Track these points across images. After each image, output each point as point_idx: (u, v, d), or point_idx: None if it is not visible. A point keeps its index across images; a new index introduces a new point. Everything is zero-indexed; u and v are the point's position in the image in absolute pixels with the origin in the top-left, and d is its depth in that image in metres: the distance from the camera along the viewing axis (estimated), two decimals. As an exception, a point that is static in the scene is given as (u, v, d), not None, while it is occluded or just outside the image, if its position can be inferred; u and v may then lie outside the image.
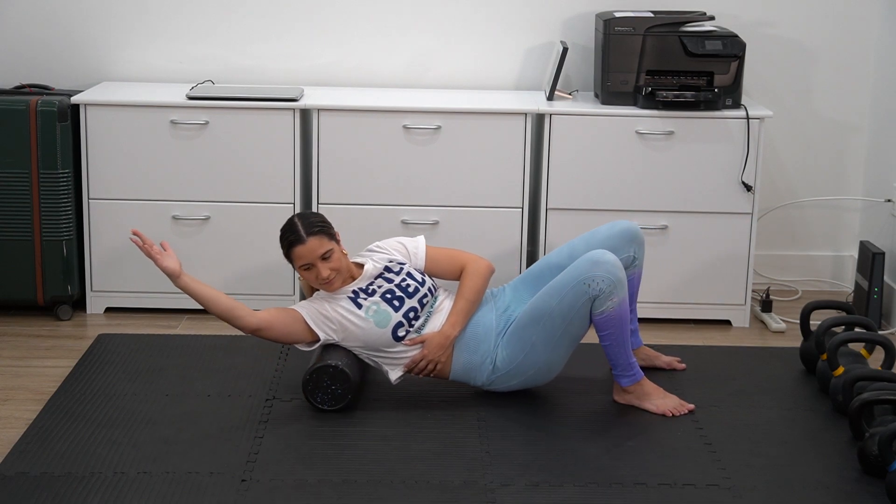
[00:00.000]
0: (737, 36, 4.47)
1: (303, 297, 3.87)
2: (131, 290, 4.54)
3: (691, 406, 3.73)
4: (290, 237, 3.67)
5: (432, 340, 3.71)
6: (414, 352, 3.73)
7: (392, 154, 4.46)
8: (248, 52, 4.81)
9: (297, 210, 4.49)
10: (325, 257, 3.65)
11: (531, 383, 3.77)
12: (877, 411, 3.50)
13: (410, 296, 3.74)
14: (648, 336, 4.36)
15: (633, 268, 3.87)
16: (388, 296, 3.72)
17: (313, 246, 3.64)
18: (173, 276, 3.60)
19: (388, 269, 3.78)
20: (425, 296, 3.76)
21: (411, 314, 3.72)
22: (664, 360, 4.09)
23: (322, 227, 3.68)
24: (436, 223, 4.50)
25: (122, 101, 4.44)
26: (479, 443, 3.49)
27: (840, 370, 3.74)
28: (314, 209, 4.48)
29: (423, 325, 3.74)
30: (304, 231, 3.65)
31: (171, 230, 4.47)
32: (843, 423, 3.62)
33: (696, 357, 4.19)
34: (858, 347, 3.98)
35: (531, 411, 3.72)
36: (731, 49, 4.43)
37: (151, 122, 4.42)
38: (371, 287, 3.73)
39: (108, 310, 4.56)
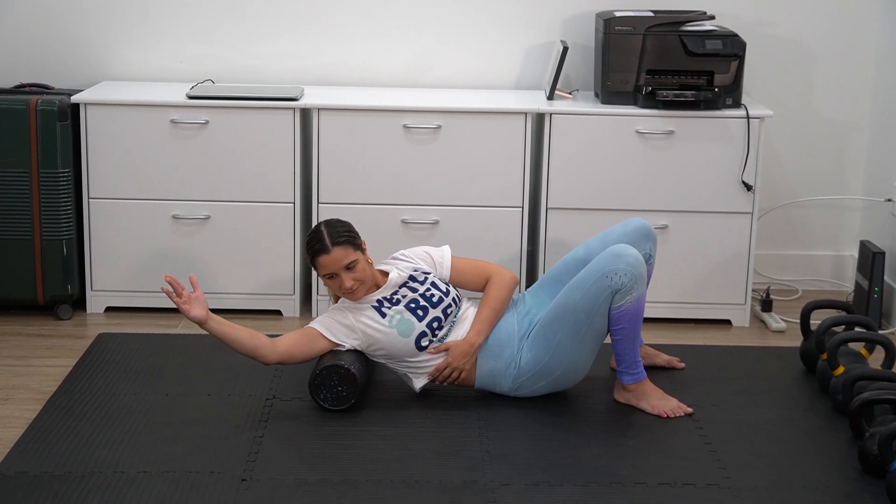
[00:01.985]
0: (737, 35, 4.46)
1: (320, 304, 3.86)
2: (131, 290, 4.54)
3: (690, 410, 3.73)
4: (315, 246, 3.66)
5: (457, 348, 3.71)
6: (438, 360, 3.72)
7: (392, 154, 4.45)
8: (249, 52, 4.81)
9: (298, 208, 4.49)
10: (349, 267, 3.64)
11: (558, 385, 3.75)
12: (877, 411, 3.50)
13: (434, 306, 3.73)
14: (649, 336, 4.35)
15: (647, 265, 3.87)
16: (413, 305, 3.72)
17: (338, 256, 3.63)
18: (201, 324, 3.57)
19: (412, 278, 3.78)
20: (449, 306, 3.76)
21: (435, 324, 3.72)
22: (664, 358, 4.09)
23: (348, 237, 3.67)
24: (436, 223, 4.50)
25: (122, 100, 4.44)
26: (479, 443, 3.49)
27: (840, 370, 3.74)
28: (314, 208, 4.48)
29: (446, 335, 3.74)
30: (329, 241, 3.64)
31: (171, 230, 4.47)
32: (844, 423, 3.62)
33: (696, 357, 4.19)
34: (858, 347, 3.98)
35: (531, 411, 3.71)
36: (731, 48, 4.43)
37: (151, 122, 4.42)
38: (395, 296, 3.73)
39: (109, 309, 4.56)
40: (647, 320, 4.52)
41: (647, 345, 4.12)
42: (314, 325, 3.71)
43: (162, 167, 4.45)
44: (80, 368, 3.97)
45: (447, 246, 3.92)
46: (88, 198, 4.46)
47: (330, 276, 3.67)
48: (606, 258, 3.63)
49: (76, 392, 3.77)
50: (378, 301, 3.71)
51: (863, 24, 4.86)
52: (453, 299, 3.78)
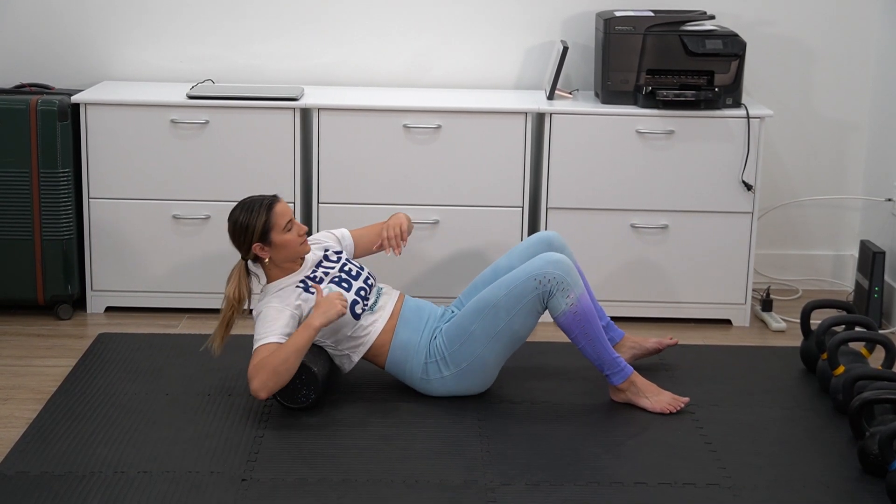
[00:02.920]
0: (737, 35, 4.46)
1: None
2: (131, 290, 4.54)
3: (686, 399, 3.73)
4: (263, 202, 3.68)
5: (393, 218, 3.89)
6: (377, 324, 3.73)
7: (392, 153, 4.46)
8: (249, 52, 4.81)
9: (298, 209, 4.49)
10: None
11: (463, 383, 3.73)
12: (877, 410, 3.50)
13: (355, 278, 3.78)
14: (648, 335, 4.35)
15: None
16: (336, 280, 3.76)
17: (285, 204, 3.72)
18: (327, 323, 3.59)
19: (326, 257, 3.83)
20: (368, 277, 3.83)
21: (362, 293, 3.75)
22: (652, 342, 4.08)
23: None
24: (436, 223, 4.50)
25: (122, 100, 4.44)
26: (479, 443, 3.49)
27: (840, 369, 3.74)
28: (314, 208, 4.49)
29: (375, 303, 3.77)
30: (268, 196, 3.73)
31: (171, 230, 4.47)
32: (844, 423, 3.62)
33: (696, 357, 4.19)
34: (859, 347, 3.98)
35: (531, 411, 3.71)
36: (731, 48, 4.43)
37: (151, 122, 4.42)
38: (315, 275, 3.76)
39: (109, 309, 4.56)
40: (648, 320, 4.53)
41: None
42: (266, 339, 3.58)
43: (162, 167, 4.45)
44: (80, 368, 3.97)
45: (344, 228, 3.97)
46: (88, 198, 4.46)
47: (288, 227, 3.67)
48: (536, 262, 3.67)
49: (76, 392, 3.77)
50: (301, 282, 3.72)
51: (863, 24, 4.86)
52: (369, 273, 3.84)
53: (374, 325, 3.73)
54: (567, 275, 3.64)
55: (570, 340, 3.71)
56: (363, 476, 3.27)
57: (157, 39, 4.80)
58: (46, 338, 4.32)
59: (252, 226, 3.65)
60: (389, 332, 3.74)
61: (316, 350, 3.73)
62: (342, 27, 4.82)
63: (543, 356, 4.14)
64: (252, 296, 3.75)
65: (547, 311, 3.67)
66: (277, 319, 3.60)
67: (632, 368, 3.74)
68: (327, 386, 3.73)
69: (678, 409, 3.71)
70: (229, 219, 3.70)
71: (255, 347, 3.57)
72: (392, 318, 3.76)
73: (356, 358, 3.77)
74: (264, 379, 3.50)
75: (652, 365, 4.08)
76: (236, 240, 3.69)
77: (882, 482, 3.27)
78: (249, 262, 3.73)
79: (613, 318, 4.12)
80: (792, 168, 4.98)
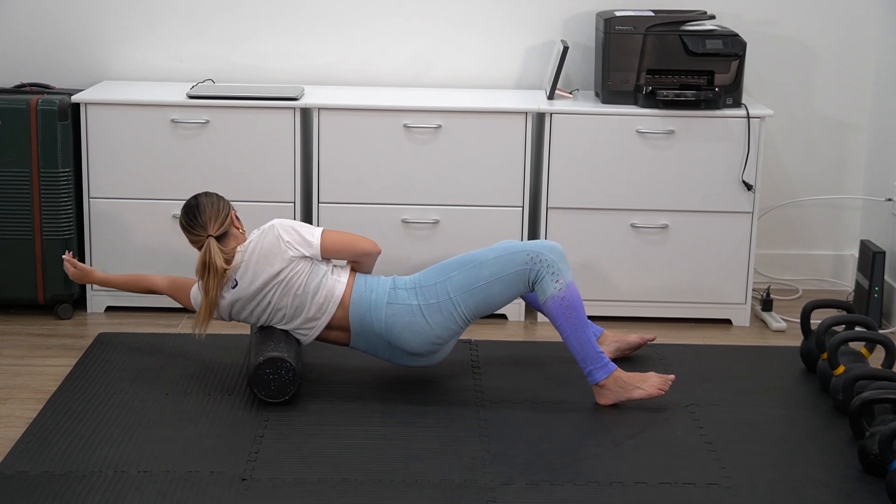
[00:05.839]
0: (737, 35, 4.46)
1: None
2: (131, 290, 4.54)
3: (672, 377, 3.73)
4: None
5: None
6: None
7: (392, 153, 4.45)
8: (249, 52, 4.81)
9: (298, 208, 4.49)
10: None
11: (427, 319, 3.68)
12: (877, 410, 3.50)
13: None
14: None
15: None
16: None
17: None
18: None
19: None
20: None
21: None
22: (634, 337, 4.09)
23: None
24: (436, 222, 4.50)
25: (122, 100, 4.44)
26: (479, 442, 3.49)
27: (840, 369, 3.74)
28: (314, 208, 4.49)
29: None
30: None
31: (171, 229, 4.47)
32: (844, 422, 3.62)
33: (696, 357, 4.19)
34: (859, 346, 3.98)
35: (531, 411, 3.71)
36: (731, 48, 4.43)
37: (152, 122, 4.42)
38: None
39: (109, 309, 4.56)
40: (648, 320, 4.53)
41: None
42: (322, 228, 3.80)
43: (162, 167, 4.45)
44: (80, 368, 3.97)
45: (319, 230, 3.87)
46: (88, 198, 4.46)
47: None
48: (532, 243, 3.73)
49: (76, 391, 3.77)
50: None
51: (863, 24, 4.86)
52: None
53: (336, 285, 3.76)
54: (560, 261, 3.68)
55: (557, 333, 3.72)
56: (363, 476, 3.27)
57: (157, 39, 4.80)
58: (46, 338, 4.32)
59: (225, 199, 3.86)
60: (348, 287, 3.76)
61: (280, 338, 3.76)
62: (342, 27, 4.82)
63: (543, 356, 4.14)
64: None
65: (535, 294, 3.70)
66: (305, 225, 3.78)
67: (615, 365, 3.73)
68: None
69: (667, 387, 3.69)
70: (197, 202, 3.83)
71: (321, 231, 3.75)
72: (350, 278, 3.79)
73: (321, 325, 3.78)
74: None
75: (652, 364, 4.08)
76: (215, 213, 3.79)
77: (882, 482, 3.27)
78: (213, 239, 3.76)
79: (612, 319, 4.13)
80: (792, 168, 4.98)
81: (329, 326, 3.78)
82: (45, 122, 4.34)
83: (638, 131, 4.43)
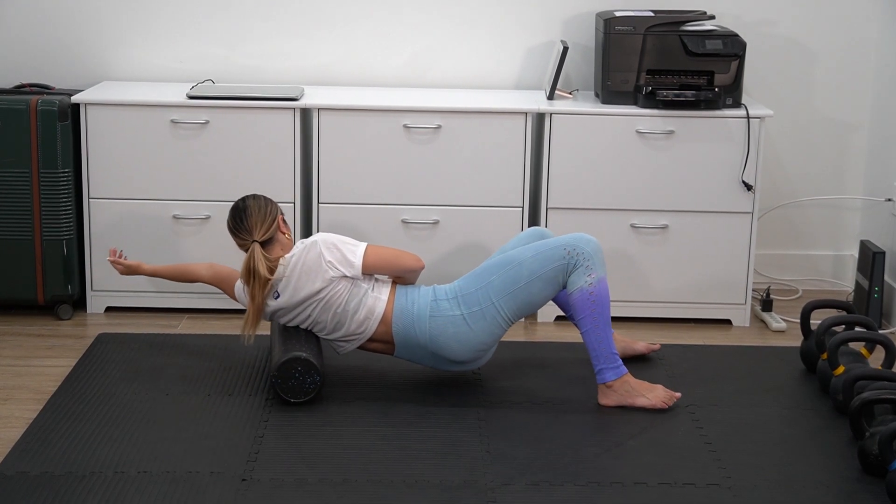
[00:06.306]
0: (737, 35, 4.46)
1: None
2: (131, 290, 4.54)
3: (678, 394, 3.74)
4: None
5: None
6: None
7: (392, 153, 4.45)
8: (249, 52, 4.81)
9: (298, 209, 4.49)
10: None
11: (472, 327, 3.67)
12: (877, 410, 3.50)
13: None
14: (649, 336, 4.36)
15: None
16: None
17: None
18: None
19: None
20: None
21: None
22: (641, 345, 4.10)
23: None
24: (436, 223, 4.50)
25: (122, 100, 4.44)
26: (479, 443, 3.49)
27: (840, 369, 3.74)
28: (314, 208, 4.49)
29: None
30: None
31: (171, 230, 4.47)
32: (844, 423, 3.62)
33: (696, 357, 4.19)
34: (859, 347, 3.98)
35: (531, 411, 3.71)
36: (731, 48, 4.43)
37: (151, 122, 4.42)
38: None
39: (109, 309, 4.56)
40: (648, 320, 4.53)
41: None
42: (365, 243, 3.78)
43: (162, 167, 4.45)
44: (80, 368, 3.97)
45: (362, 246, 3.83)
46: (88, 198, 4.46)
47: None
48: (570, 236, 3.72)
49: (76, 392, 3.77)
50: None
51: (863, 24, 4.86)
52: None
53: (378, 300, 3.74)
54: (595, 255, 3.66)
55: (576, 326, 3.72)
56: (363, 476, 3.27)
57: (157, 39, 4.80)
58: (46, 338, 4.31)
59: (274, 203, 3.81)
60: (389, 303, 3.75)
61: (305, 338, 3.76)
62: (342, 27, 4.82)
63: (543, 356, 4.14)
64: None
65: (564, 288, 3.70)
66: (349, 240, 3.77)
67: (626, 369, 3.74)
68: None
69: (672, 402, 3.71)
70: (245, 205, 3.79)
71: (364, 248, 3.73)
72: (391, 293, 3.77)
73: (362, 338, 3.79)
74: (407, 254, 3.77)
75: (652, 364, 4.08)
76: (261, 218, 3.76)
77: (882, 482, 3.27)
78: (258, 244, 3.74)
79: (614, 318, 4.12)
80: (792, 168, 4.98)
81: (371, 339, 3.78)
82: (44, 123, 4.34)
83: (638, 131, 4.43)
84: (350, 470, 3.30)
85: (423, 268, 3.79)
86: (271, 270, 3.72)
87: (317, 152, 4.46)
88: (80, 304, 4.57)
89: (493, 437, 3.52)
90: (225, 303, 4.51)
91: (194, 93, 4.46)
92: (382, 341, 3.78)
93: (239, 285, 3.87)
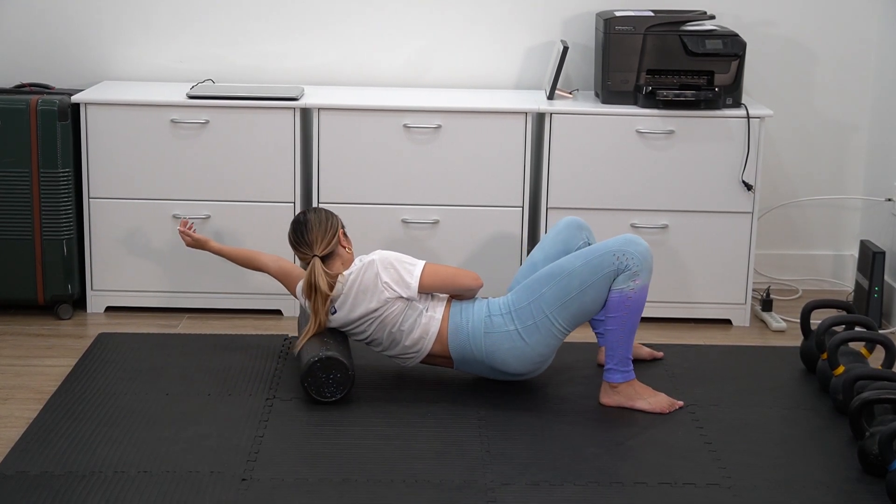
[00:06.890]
0: (737, 35, 4.46)
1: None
2: (131, 290, 4.54)
3: (681, 403, 3.74)
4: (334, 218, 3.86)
5: None
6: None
7: (392, 153, 4.45)
8: (249, 52, 4.81)
9: (298, 209, 4.49)
10: None
11: (528, 340, 3.68)
12: (877, 410, 3.50)
13: None
14: (648, 336, 4.36)
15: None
16: None
17: None
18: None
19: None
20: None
21: None
22: (646, 351, 4.11)
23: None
24: (436, 223, 4.50)
25: (122, 100, 4.44)
26: (479, 443, 3.49)
27: (840, 369, 3.74)
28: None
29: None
30: None
31: (171, 229, 4.47)
32: (844, 423, 3.62)
33: (696, 357, 4.19)
34: (859, 346, 3.98)
35: (531, 411, 3.71)
36: (731, 48, 4.43)
37: (151, 122, 4.42)
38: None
39: (109, 309, 4.56)
40: (647, 320, 4.53)
41: (641, 344, 4.13)
42: (423, 262, 3.77)
43: (162, 167, 4.45)
44: (80, 368, 3.97)
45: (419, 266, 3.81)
46: (88, 198, 4.46)
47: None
48: (618, 240, 3.67)
49: (76, 391, 3.77)
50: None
51: (863, 24, 4.86)
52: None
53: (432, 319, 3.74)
54: (644, 261, 3.64)
55: (600, 320, 3.76)
56: (363, 476, 3.27)
57: (157, 39, 4.80)
58: (46, 338, 4.31)
59: (336, 216, 3.83)
60: (444, 322, 3.74)
61: (338, 339, 3.78)
62: (342, 27, 4.82)
63: (543, 356, 4.14)
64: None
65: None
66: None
67: (634, 374, 3.74)
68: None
69: (672, 410, 3.71)
70: (305, 219, 3.80)
71: (422, 267, 3.72)
72: (446, 310, 3.76)
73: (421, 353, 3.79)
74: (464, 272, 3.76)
75: (652, 364, 4.08)
76: (322, 232, 3.77)
77: (882, 482, 3.27)
78: (318, 259, 3.74)
79: (613, 318, 4.13)
80: (792, 168, 4.98)
81: (430, 354, 3.78)
82: (44, 123, 4.34)
83: (638, 131, 4.43)
84: (350, 470, 3.30)
85: (481, 286, 3.77)
86: (331, 286, 3.73)
87: (317, 152, 4.46)
88: (80, 303, 4.57)
89: (493, 437, 3.52)
90: (225, 303, 4.52)
91: (194, 92, 4.46)
92: (442, 356, 3.79)
93: (301, 289, 3.87)
